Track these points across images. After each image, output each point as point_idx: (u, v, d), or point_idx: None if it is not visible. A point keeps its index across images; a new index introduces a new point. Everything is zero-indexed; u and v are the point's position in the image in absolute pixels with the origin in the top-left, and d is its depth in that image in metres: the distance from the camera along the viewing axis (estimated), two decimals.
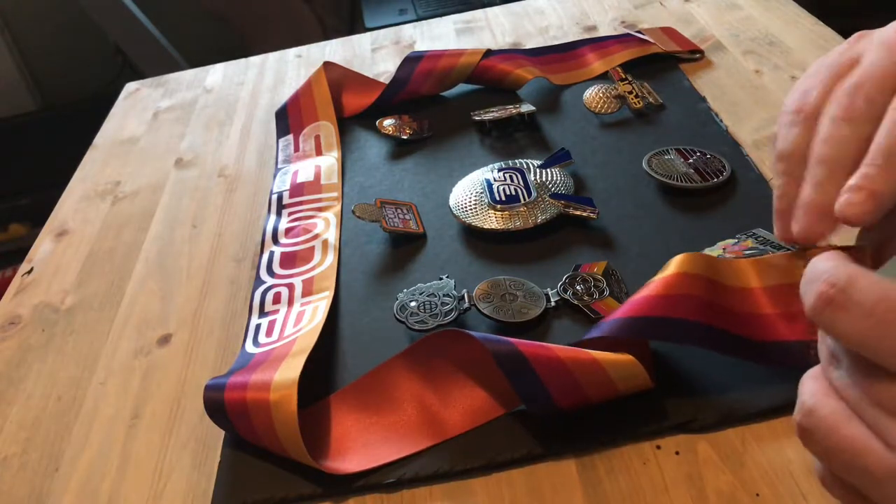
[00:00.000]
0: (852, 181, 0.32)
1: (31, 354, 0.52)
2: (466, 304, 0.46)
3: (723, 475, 0.36)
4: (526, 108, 0.65)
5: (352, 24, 1.98)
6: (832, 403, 0.27)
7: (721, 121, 0.60)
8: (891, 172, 0.32)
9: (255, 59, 0.87)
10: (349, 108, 0.71)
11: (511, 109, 0.65)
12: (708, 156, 0.56)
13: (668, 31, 0.73)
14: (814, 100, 0.36)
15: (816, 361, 0.34)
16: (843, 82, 0.35)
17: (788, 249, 0.45)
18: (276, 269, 0.53)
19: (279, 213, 0.59)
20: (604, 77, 0.69)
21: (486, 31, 0.83)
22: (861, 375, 0.26)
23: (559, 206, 0.53)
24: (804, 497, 0.34)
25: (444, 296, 0.47)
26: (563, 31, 0.80)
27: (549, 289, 0.47)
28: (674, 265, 0.40)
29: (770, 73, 0.66)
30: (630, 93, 0.65)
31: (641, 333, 0.39)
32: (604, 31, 0.78)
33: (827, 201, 0.34)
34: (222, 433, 0.43)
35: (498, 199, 0.54)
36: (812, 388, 0.28)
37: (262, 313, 0.50)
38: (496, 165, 0.58)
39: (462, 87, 0.71)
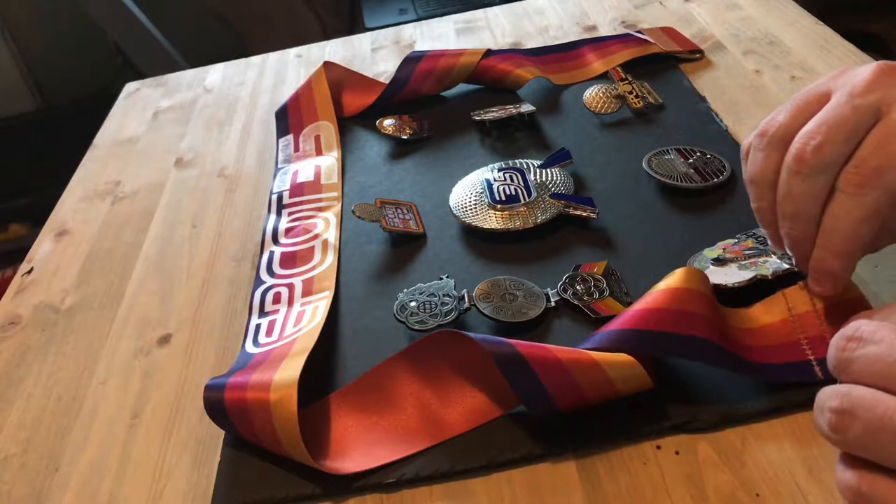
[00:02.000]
0: (812, 262, 0.39)
1: (31, 354, 0.52)
2: (466, 304, 0.46)
3: (723, 475, 0.36)
4: (526, 108, 0.65)
5: (352, 24, 1.98)
6: (864, 387, 0.28)
7: (721, 121, 0.60)
8: (836, 253, 0.37)
9: (255, 59, 0.87)
10: (349, 108, 0.71)
11: (511, 109, 0.65)
12: (708, 156, 0.56)
13: (668, 31, 0.73)
14: (776, 125, 0.39)
15: (825, 377, 0.35)
16: (808, 123, 0.38)
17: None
18: (276, 269, 0.53)
19: (279, 213, 0.59)
20: (604, 77, 0.69)
21: (486, 31, 0.83)
22: None
23: (559, 206, 0.53)
24: (804, 497, 0.34)
25: (444, 296, 0.47)
26: (563, 31, 0.80)
27: (549, 289, 0.47)
28: (681, 279, 0.40)
29: (770, 73, 0.66)
30: (630, 93, 0.65)
31: (651, 348, 0.39)
32: (604, 31, 0.78)
33: (807, 257, 0.39)
34: (222, 433, 0.43)
35: (498, 199, 0.54)
36: (836, 385, 0.29)
37: (262, 313, 0.50)
38: (496, 165, 0.58)
39: (462, 87, 0.71)
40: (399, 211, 0.56)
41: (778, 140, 0.39)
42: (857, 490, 0.28)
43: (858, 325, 0.29)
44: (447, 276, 0.49)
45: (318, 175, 0.62)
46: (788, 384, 0.38)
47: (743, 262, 0.45)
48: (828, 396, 0.29)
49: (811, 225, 0.38)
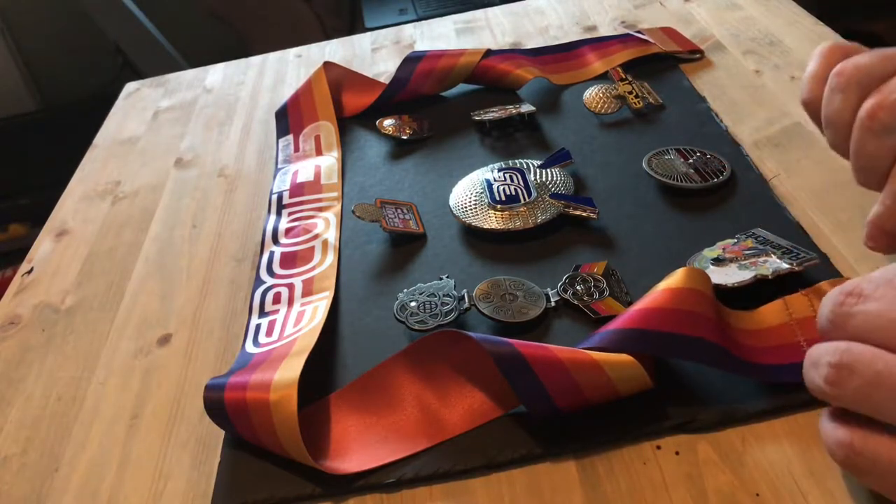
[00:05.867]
0: (869, 217, 0.38)
1: (31, 354, 0.52)
2: (466, 304, 0.46)
3: (723, 475, 0.36)
4: (526, 108, 0.65)
5: (352, 24, 1.98)
6: (863, 344, 0.28)
7: (721, 121, 0.60)
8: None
9: (255, 59, 0.87)
10: (349, 108, 0.71)
11: (511, 109, 0.65)
12: (708, 156, 0.56)
13: (668, 31, 0.73)
14: (855, 66, 0.37)
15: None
16: (887, 82, 0.36)
17: (784, 249, 0.45)
18: (276, 269, 0.53)
19: (279, 213, 0.59)
20: (604, 77, 0.69)
21: (486, 31, 0.83)
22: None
23: (559, 206, 0.53)
24: (804, 497, 0.34)
25: (444, 296, 0.47)
26: (563, 31, 0.80)
27: (549, 289, 0.47)
28: (682, 279, 0.40)
29: (770, 73, 0.66)
30: (630, 93, 0.65)
31: (651, 348, 0.38)
32: (604, 31, 0.78)
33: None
34: (222, 433, 0.43)
35: (498, 199, 0.54)
36: (833, 342, 0.29)
37: (262, 313, 0.50)
38: (496, 165, 0.58)
39: (462, 87, 0.71)
40: (399, 211, 0.56)
41: (856, 83, 0.37)
42: (850, 445, 0.29)
43: (858, 282, 0.29)
44: (447, 276, 0.49)
45: (318, 175, 0.62)
46: (788, 384, 0.38)
47: (743, 262, 0.45)
48: (825, 352, 0.29)
49: (883, 180, 0.37)
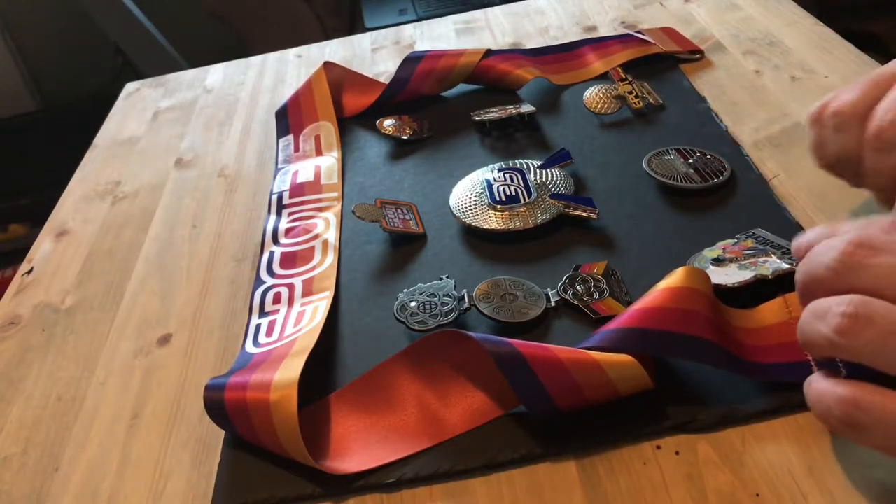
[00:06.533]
0: None
1: (31, 354, 0.52)
2: (466, 305, 0.46)
3: (723, 475, 0.36)
4: (526, 108, 0.65)
5: (352, 24, 1.98)
6: (876, 298, 0.28)
7: (721, 121, 0.60)
8: None
9: (255, 59, 0.87)
10: (349, 108, 0.71)
11: (511, 109, 0.65)
12: (708, 156, 0.56)
13: (668, 32, 0.73)
14: (847, 104, 0.40)
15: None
16: (884, 98, 0.38)
17: (784, 249, 0.45)
18: (276, 269, 0.53)
19: (279, 213, 0.59)
20: (604, 77, 0.69)
21: (486, 31, 0.83)
22: None
23: (559, 206, 0.53)
24: (804, 497, 0.34)
25: (444, 296, 0.47)
26: (563, 31, 0.80)
27: (549, 289, 0.47)
28: (681, 278, 0.40)
29: (770, 73, 0.66)
30: (630, 93, 0.65)
31: (651, 347, 0.38)
32: (604, 31, 0.78)
33: None
34: (222, 433, 0.43)
35: (498, 199, 0.54)
36: (844, 295, 0.29)
37: (262, 313, 0.50)
38: (496, 165, 0.58)
39: (462, 87, 0.71)
40: (399, 211, 0.56)
41: (852, 116, 0.39)
42: (853, 400, 0.28)
43: (868, 234, 0.29)
44: (447, 276, 0.49)
45: (318, 175, 0.62)
46: (788, 384, 0.38)
47: (743, 262, 0.45)
48: (835, 303, 0.28)
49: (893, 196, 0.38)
